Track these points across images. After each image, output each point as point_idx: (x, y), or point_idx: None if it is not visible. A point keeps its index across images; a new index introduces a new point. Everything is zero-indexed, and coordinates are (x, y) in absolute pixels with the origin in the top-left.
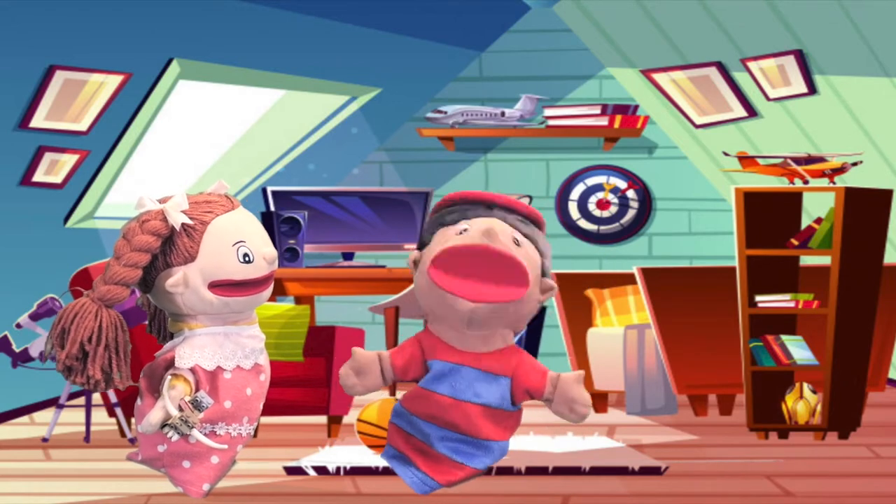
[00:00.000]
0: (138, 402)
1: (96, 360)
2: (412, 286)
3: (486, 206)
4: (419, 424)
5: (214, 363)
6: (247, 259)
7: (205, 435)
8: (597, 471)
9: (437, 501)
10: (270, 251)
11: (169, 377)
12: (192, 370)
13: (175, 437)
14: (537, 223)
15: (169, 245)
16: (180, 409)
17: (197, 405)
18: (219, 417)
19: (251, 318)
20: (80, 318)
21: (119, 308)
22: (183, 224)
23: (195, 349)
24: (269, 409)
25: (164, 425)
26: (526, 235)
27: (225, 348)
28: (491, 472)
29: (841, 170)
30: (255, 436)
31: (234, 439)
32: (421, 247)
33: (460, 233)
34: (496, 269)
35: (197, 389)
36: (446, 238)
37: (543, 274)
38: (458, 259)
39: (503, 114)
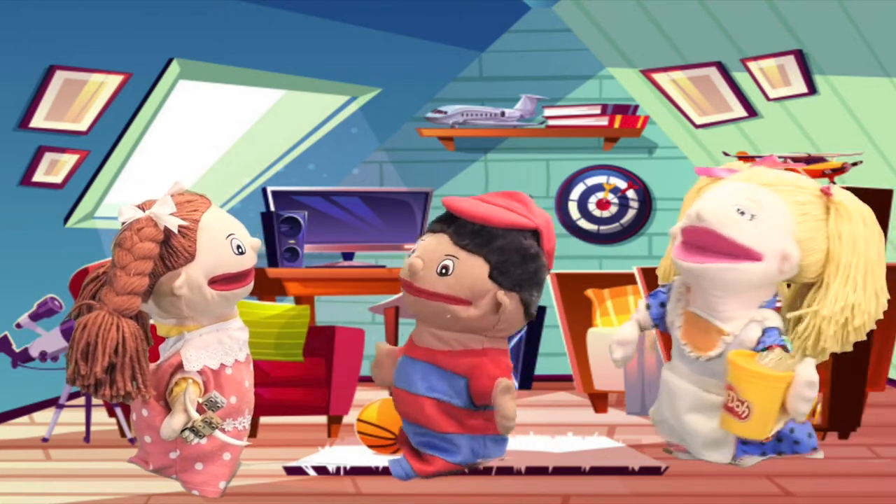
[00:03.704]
0: (144, 412)
1: (124, 371)
2: None
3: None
4: (404, 421)
5: (218, 361)
6: (240, 250)
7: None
8: (597, 471)
9: (437, 501)
10: (256, 240)
11: (181, 381)
12: (201, 371)
13: (195, 441)
14: (496, 230)
15: (165, 248)
16: (198, 411)
17: (212, 405)
18: (227, 414)
19: (235, 312)
20: (104, 330)
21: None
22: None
23: (200, 350)
24: (269, 409)
25: (183, 429)
26: (476, 245)
27: (224, 345)
28: (491, 472)
29: (841, 170)
30: (253, 434)
31: (241, 433)
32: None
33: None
34: None
35: (207, 390)
36: None
37: (497, 281)
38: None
39: (503, 114)
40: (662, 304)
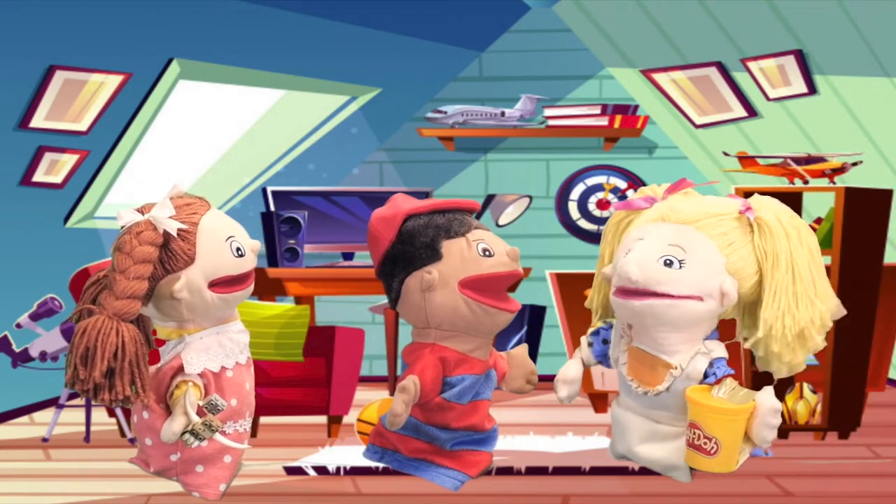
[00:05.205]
0: (145, 415)
1: (123, 375)
2: None
3: (469, 212)
4: (429, 429)
5: (219, 364)
6: (240, 252)
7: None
8: (597, 471)
9: (437, 501)
10: (256, 242)
11: (181, 384)
12: (202, 374)
13: (195, 444)
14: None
15: (165, 252)
16: (199, 414)
17: (213, 408)
18: (227, 416)
19: (235, 314)
20: (103, 335)
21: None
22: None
23: (200, 353)
24: (269, 409)
25: (183, 432)
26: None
27: (225, 347)
28: (491, 473)
29: (841, 170)
30: (254, 434)
31: (241, 435)
32: (416, 255)
33: (484, 253)
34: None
35: (207, 393)
36: (471, 257)
37: None
38: (497, 283)
39: (503, 114)
40: (605, 342)
